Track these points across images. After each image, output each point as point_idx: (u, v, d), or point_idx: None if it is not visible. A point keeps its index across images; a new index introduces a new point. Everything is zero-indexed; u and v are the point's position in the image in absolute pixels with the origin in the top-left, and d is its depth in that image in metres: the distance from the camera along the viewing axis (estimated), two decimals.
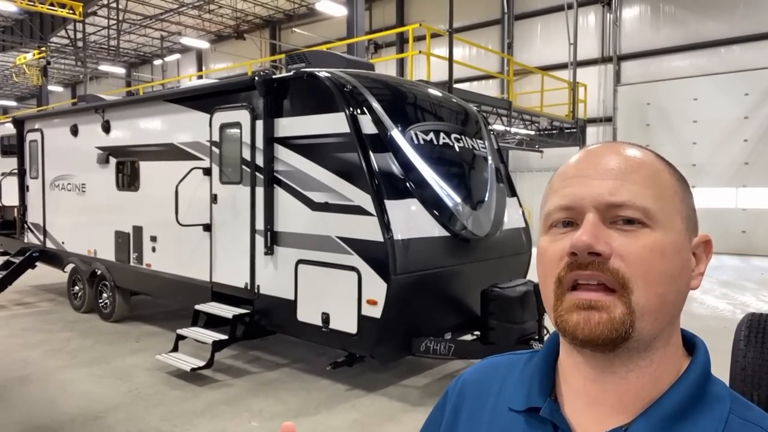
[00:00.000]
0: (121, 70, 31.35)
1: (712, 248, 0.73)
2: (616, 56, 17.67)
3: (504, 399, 0.78)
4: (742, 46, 15.50)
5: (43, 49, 21.91)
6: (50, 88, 34.71)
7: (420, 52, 11.95)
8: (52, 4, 16.86)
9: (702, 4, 16.05)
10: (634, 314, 0.65)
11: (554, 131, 16.58)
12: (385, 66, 20.21)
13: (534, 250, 6.23)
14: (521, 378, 0.78)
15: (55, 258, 8.91)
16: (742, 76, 15.24)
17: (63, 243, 8.67)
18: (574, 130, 16.61)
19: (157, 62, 30.49)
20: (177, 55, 29.67)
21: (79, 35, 23.58)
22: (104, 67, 28.91)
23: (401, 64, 21.24)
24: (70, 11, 17.07)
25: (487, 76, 18.95)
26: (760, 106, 15.06)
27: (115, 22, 23.06)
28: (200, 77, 24.64)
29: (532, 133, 16.00)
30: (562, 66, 17.41)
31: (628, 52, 17.56)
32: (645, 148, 0.74)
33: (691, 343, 0.73)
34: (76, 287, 8.36)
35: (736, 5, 15.49)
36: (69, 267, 8.48)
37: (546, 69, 17.02)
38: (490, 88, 19.68)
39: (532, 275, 6.07)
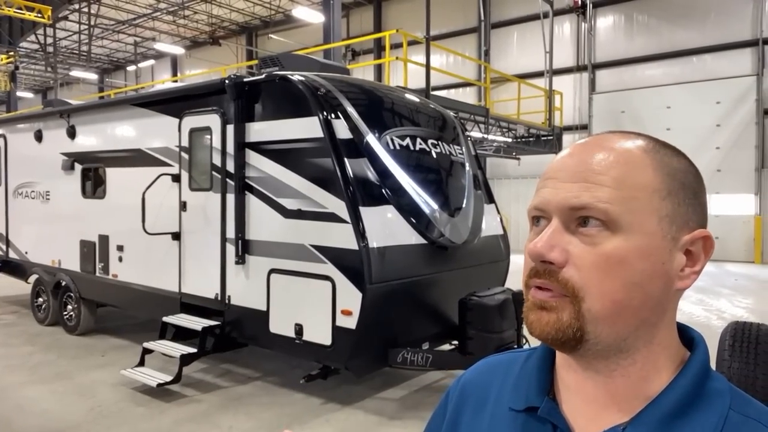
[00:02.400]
0: (93, 76, 30.74)
1: (713, 243, 0.70)
2: (591, 65, 17.87)
3: (504, 398, 0.79)
4: (714, 55, 15.79)
5: (11, 53, 21.35)
6: (19, 93, 33.87)
7: (397, 58, 11.88)
8: (20, 8, 16.42)
9: (674, 14, 16.33)
10: (584, 319, 0.65)
11: (531, 139, 16.67)
12: (362, 73, 20.11)
13: (512, 258, 6.15)
14: (520, 377, 0.79)
15: (18, 269, 8.58)
16: (714, 84, 15.52)
17: (26, 253, 8.33)
18: (551, 137, 16.70)
19: (131, 68, 29.98)
20: (151, 61, 29.23)
21: (50, 40, 23.04)
22: (76, 73, 28.29)
23: (379, 71, 21.18)
24: (39, 15, 16.64)
25: (465, 84, 18.99)
26: (731, 114, 15.34)
27: (86, 27, 22.59)
28: (175, 83, 24.28)
29: (509, 140, 16.05)
30: (539, 74, 17.52)
31: (603, 60, 17.77)
32: (638, 136, 0.71)
33: (689, 338, 0.72)
34: (40, 299, 8.03)
35: (708, 15, 15.78)
36: (33, 278, 8.15)
37: (522, 77, 17.11)
38: (467, 96, 19.72)
39: (511, 283, 6.00)
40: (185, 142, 5.80)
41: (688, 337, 0.73)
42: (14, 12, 16.47)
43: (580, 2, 17.70)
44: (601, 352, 0.67)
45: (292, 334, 4.80)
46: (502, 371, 0.83)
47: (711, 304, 9.69)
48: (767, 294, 10.87)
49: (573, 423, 0.71)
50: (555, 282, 0.67)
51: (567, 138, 17.90)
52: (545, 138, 16.74)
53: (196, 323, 5.44)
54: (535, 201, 0.71)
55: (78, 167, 7.31)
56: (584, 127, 17.91)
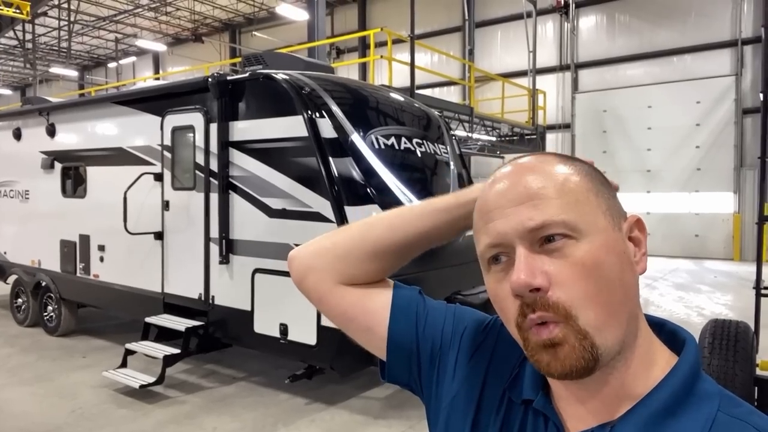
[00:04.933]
0: (73, 73, 30.26)
1: (644, 224, 0.73)
2: (574, 64, 18.01)
3: (509, 387, 0.81)
4: (694, 55, 16.00)
5: None
6: None
7: (382, 56, 11.87)
8: None
9: (655, 14, 16.51)
10: (589, 334, 0.65)
11: (515, 137, 16.77)
12: (347, 71, 20.06)
13: None
14: (521, 371, 0.80)
15: None
16: (693, 84, 15.72)
17: (5, 253, 8.19)
18: (534, 136, 16.82)
19: (112, 65, 29.57)
20: (132, 58, 28.85)
21: (28, 36, 22.62)
22: (55, 70, 27.83)
23: (363, 70, 21.16)
24: (17, 11, 16.33)
25: (449, 83, 19.04)
26: (711, 114, 15.56)
27: (66, 23, 22.23)
28: (157, 80, 23.98)
29: (494, 139, 16.13)
30: (522, 73, 17.62)
31: (586, 60, 17.91)
32: (545, 153, 0.74)
33: (681, 340, 0.73)
34: (20, 300, 7.90)
35: (688, 16, 15.99)
36: (12, 278, 8.02)
37: (506, 76, 17.19)
38: (451, 95, 19.78)
39: None
40: (168, 141, 5.74)
41: (680, 338, 0.73)
42: None
43: (562, 2, 17.82)
44: (605, 362, 0.67)
45: (277, 333, 4.78)
46: (517, 356, 0.83)
47: (691, 301, 9.84)
48: (746, 291, 11.05)
49: (565, 418, 0.72)
50: (551, 310, 0.65)
51: (550, 137, 18.03)
52: (529, 137, 16.85)
53: (180, 324, 5.39)
54: (488, 239, 0.70)
55: (58, 166, 7.20)
56: (567, 126, 18.06)
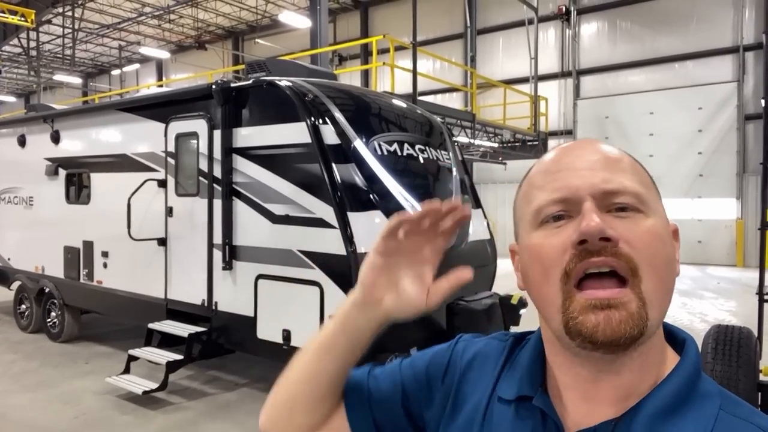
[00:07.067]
0: (77, 80, 30.42)
1: (679, 234, 0.74)
2: (576, 71, 18.06)
3: (492, 384, 0.79)
4: (695, 61, 16.03)
5: None
6: (2, 98, 33.48)
7: (384, 63, 11.92)
8: (2, 12, 16.21)
9: (657, 21, 16.56)
10: (647, 304, 0.63)
11: (517, 144, 16.79)
12: (349, 78, 20.15)
13: (499, 262, 6.14)
14: (510, 369, 0.79)
15: (0, 275, 8.45)
16: (695, 90, 15.75)
17: (9, 259, 8.22)
18: (536, 142, 16.83)
19: (116, 72, 29.73)
20: (136, 65, 28.99)
21: (33, 44, 22.77)
22: (59, 77, 28.00)
23: (366, 77, 21.23)
24: (22, 18, 16.45)
25: (451, 89, 19.09)
26: (713, 120, 15.57)
27: (70, 30, 22.38)
28: (161, 88, 24.10)
29: (496, 145, 16.15)
30: (524, 80, 17.66)
31: (587, 66, 17.96)
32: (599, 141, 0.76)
33: (681, 340, 0.73)
34: (23, 306, 7.92)
35: (689, 22, 16.03)
36: (15, 284, 8.04)
37: (508, 82, 17.23)
38: (454, 101, 19.82)
39: (497, 287, 6.03)
40: (171, 148, 5.76)
41: (679, 339, 0.74)
42: None
43: (564, 9, 17.90)
44: (640, 344, 0.65)
45: (279, 340, 4.78)
46: (496, 357, 0.83)
47: (694, 307, 9.81)
48: (749, 297, 11.00)
49: (564, 415, 0.71)
50: (621, 258, 0.63)
51: (552, 143, 18.02)
52: (531, 143, 16.87)
53: (183, 330, 5.40)
54: (554, 195, 0.68)
55: (62, 172, 7.23)
56: (569, 133, 18.08)
